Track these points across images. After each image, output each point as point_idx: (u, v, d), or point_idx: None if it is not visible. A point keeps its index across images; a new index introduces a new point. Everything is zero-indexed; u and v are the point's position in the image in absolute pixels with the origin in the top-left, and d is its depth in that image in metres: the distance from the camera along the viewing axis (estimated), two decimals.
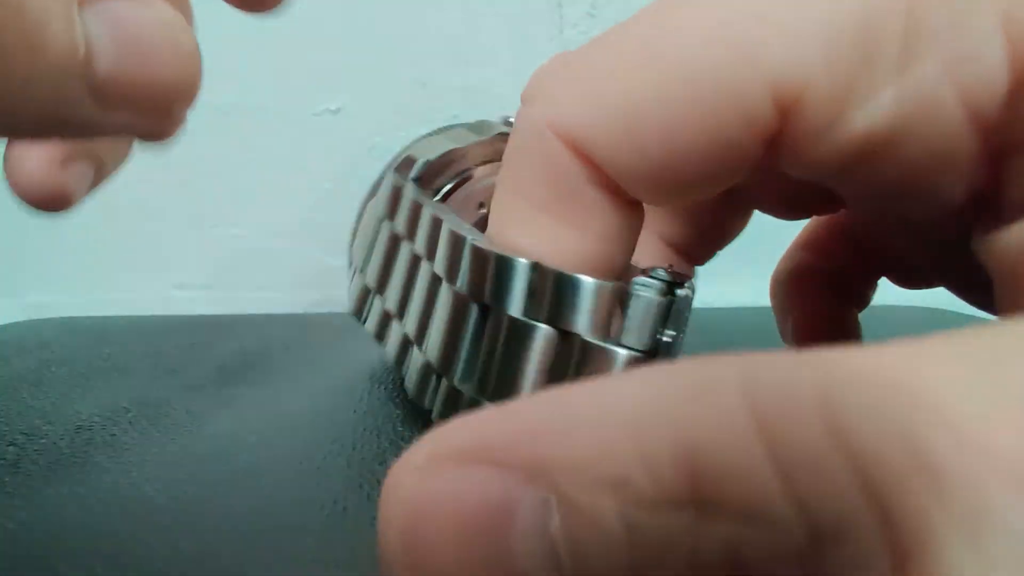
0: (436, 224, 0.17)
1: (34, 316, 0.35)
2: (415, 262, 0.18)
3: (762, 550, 0.08)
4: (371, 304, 0.21)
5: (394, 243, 0.20)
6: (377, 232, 0.21)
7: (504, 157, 0.16)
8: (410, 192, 0.19)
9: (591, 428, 0.09)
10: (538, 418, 0.10)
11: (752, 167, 0.15)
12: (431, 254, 0.17)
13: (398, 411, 0.21)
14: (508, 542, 0.09)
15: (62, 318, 0.34)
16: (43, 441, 0.20)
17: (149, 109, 0.14)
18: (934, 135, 0.13)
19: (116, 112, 0.14)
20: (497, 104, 0.42)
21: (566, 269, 0.15)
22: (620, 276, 0.16)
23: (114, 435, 0.20)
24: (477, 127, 0.21)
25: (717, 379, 0.09)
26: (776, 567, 0.08)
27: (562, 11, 0.41)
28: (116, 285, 0.42)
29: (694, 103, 0.14)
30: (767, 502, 0.08)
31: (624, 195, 0.15)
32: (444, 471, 0.10)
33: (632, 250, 0.17)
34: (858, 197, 0.16)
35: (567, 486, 0.09)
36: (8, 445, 0.19)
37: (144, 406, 0.22)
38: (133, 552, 0.14)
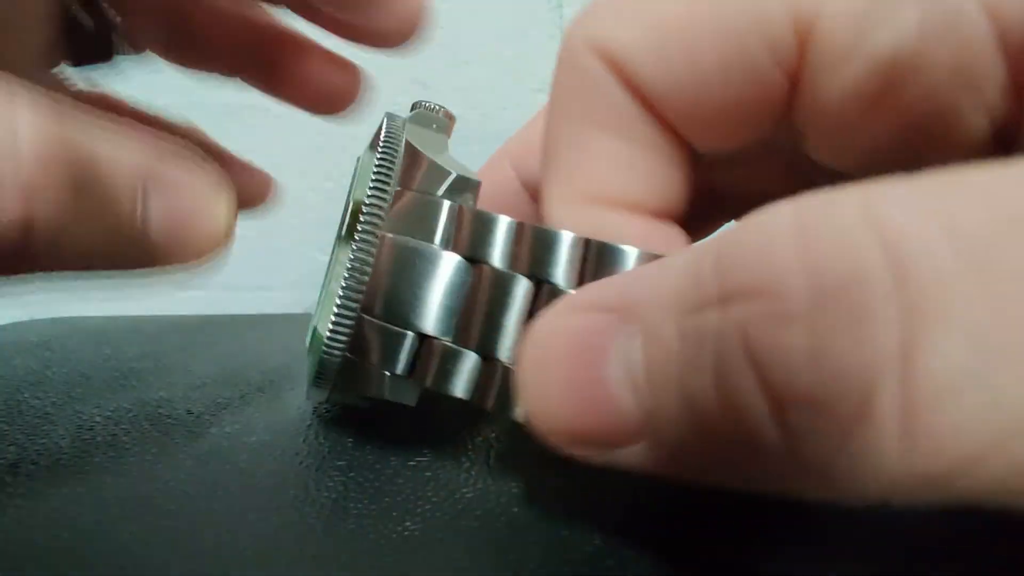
0: (540, 238, 0.16)
1: (34, 316, 0.35)
2: (500, 282, 0.16)
3: (763, 318, 0.10)
4: (460, 365, 0.17)
5: (461, 276, 0.17)
6: (434, 273, 0.17)
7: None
8: (470, 209, 0.17)
9: (666, 276, 0.12)
10: (632, 276, 0.13)
11: (779, 110, 0.15)
12: (539, 268, 0.16)
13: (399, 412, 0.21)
14: (603, 363, 0.12)
15: (63, 318, 0.34)
16: (43, 441, 0.20)
17: (186, 258, 0.17)
18: (959, 53, 0.13)
19: (159, 259, 0.17)
20: (497, 103, 0.42)
21: (628, 195, 0.16)
22: (680, 211, 0.17)
23: (115, 435, 0.20)
24: (421, 119, 0.20)
25: (773, 210, 0.10)
26: (778, 334, 0.10)
27: (562, 11, 0.41)
28: (116, 285, 0.42)
29: (719, 23, 0.15)
30: (781, 274, 0.10)
31: (665, 122, 0.16)
32: (568, 315, 0.13)
33: (688, 189, 0.17)
34: (870, 153, 0.15)
35: (647, 317, 0.12)
36: (9, 445, 0.19)
37: (144, 406, 0.22)
38: (133, 552, 0.14)
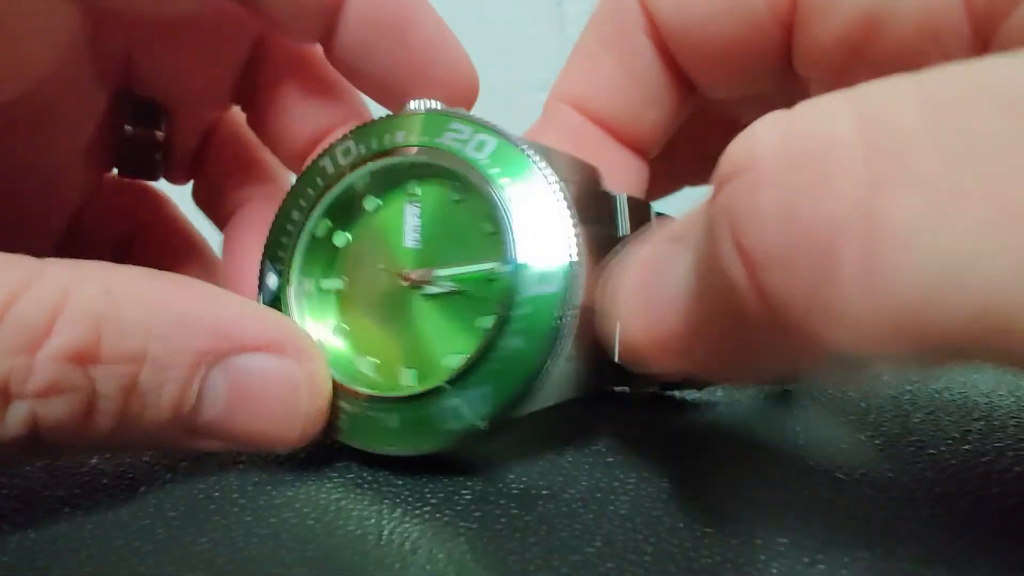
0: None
1: None
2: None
3: (740, 190, 0.11)
4: None
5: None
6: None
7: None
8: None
9: (688, 221, 0.14)
10: (678, 221, 0.15)
11: (775, 57, 0.17)
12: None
13: None
14: (662, 282, 0.14)
15: None
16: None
17: (244, 447, 0.17)
18: (924, 8, 0.15)
19: (208, 443, 0.16)
20: (497, 102, 0.42)
21: (603, 109, 0.20)
22: (654, 140, 0.20)
23: None
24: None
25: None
26: (752, 199, 0.11)
27: (562, 9, 0.41)
28: None
29: None
30: (759, 149, 0.11)
31: (673, 61, 0.19)
32: (641, 246, 0.15)
33: (669, 125, 0.20)
34: None
35: (692, 235, 0.13)
36: None
37: None
38: (126, 554, 0.14)
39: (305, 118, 0.24)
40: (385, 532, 0.15)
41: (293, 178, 0.22)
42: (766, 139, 0.11)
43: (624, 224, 0.18)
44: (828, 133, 0.10)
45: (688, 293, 0.13)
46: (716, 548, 0.14)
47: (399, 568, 0.14)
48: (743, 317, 0.11)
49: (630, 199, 0.19)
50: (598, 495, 0.16)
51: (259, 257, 0.21)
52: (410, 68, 0.21)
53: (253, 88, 0.25)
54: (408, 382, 0.18)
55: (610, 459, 0.18)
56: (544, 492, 0.17)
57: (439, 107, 0.19)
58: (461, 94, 0.22)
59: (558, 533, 0.15)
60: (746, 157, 0.11)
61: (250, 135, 0.28)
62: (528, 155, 0.17)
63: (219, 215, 0.28)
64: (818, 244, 0.10)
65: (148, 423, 0.15)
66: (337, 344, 0.19)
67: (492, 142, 0.18)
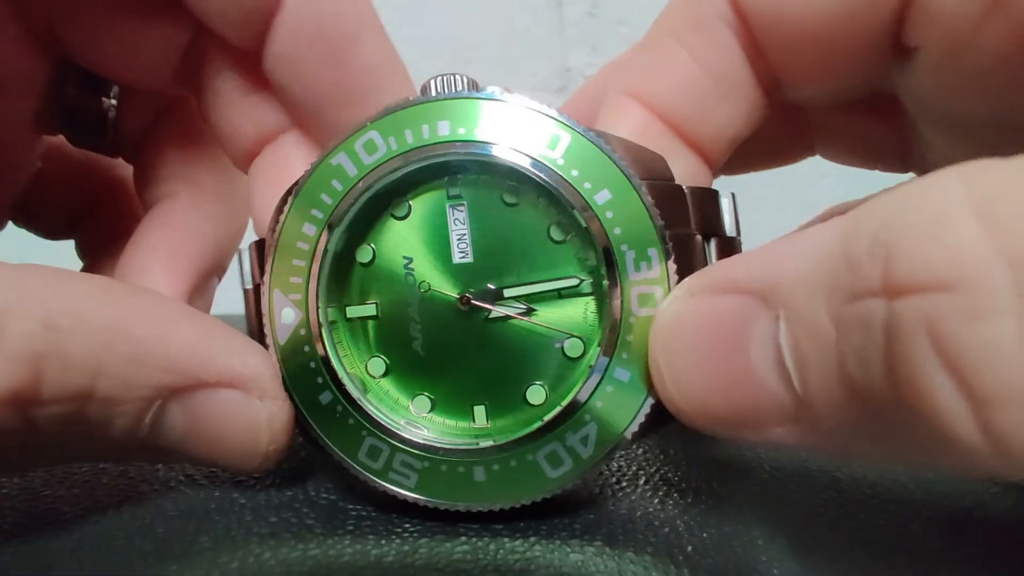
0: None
1: None
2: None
3: (956, 313, 0.09)
4: None
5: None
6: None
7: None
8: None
9: (810, 257, 0.11)
10: (766, 256, 0.12)
11: (886, 23, 0.15)
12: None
13: None
14: (746, 349, 0.12)
15: None
16: (62, 470, 0.19)
17: (208, 465, 0.16)
18: None
19: (165, 461, 0.16)
20: None
21: (666, 98, 0.18)
22: (722, 143, 0.18)
23: None
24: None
25: (934, 185, 0.10)
26: (979, 330, 0.09)
27: (562, 11, 0.41)
28: None
29: None
30: (975, 267, 0.09)
31: (758, 53, 0.17)
32: (702, 298, 0.13)
33: (741, 128, 0.18)
34: (981, 74, 0.16)
35: (791, 301, 0.11)
36: None
37: None
38: (127, 554, 0.14)
39: (251, 114, 0.21)
40: (384, 532, 0.15)
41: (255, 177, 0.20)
42: (977, 249, 0.09)
43: (694, 219, 0.16)
44: None
45: (802, 371, 0.11)
46: (716, 548, 0.14)
47: (398, 567, 0.14)
48: (933, 432, 0.10)
49: (694, 190, 0.17)
50: (599, 495, 0.16)
51: (159, 259, 0.19)
52: (342, 94, 0.19)
53: (198, 74, 0.22)
54: (481, 421, 0.16)
55: (611, 460, 0.18)
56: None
57: (483, 89, 0.16)
58: None
59: (559, 533, 0.15)
60: (952, 269, 0.09)
61: (203, 127, 0.25)
62: (608, 154, 0.15)
63: (145, 203, 0.25)
64: None
65: (93, 448, 0.15)
66: (379, 383, 0.16)
67: (566, 137, 0.15)
